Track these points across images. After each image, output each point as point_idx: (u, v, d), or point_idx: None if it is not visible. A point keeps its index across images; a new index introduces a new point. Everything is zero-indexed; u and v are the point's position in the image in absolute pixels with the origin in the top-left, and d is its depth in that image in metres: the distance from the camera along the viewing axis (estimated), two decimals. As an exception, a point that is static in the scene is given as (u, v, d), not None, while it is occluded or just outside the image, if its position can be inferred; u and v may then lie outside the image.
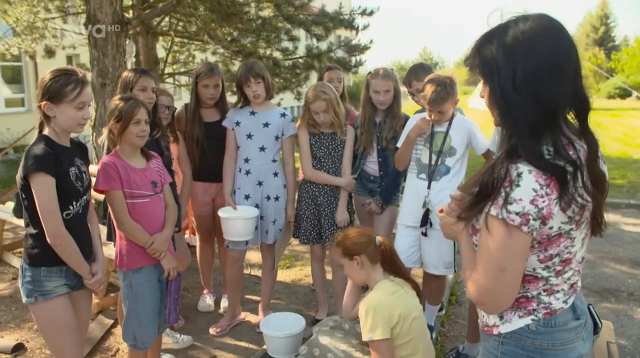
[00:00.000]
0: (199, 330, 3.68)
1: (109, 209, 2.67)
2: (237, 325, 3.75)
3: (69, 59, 13.84)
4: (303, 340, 2.93)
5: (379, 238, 2.50)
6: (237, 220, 3.36)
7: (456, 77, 3.10)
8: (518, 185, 1.28)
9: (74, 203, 2.32)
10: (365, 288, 2.64)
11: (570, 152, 1.34)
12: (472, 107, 18.06)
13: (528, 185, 1.28)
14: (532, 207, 1.28)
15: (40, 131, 2.32)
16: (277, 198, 3.54)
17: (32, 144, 2.25)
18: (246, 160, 3.51)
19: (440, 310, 3.77)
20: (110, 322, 3.74)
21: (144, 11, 6.76)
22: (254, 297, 4.15)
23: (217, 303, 4.09)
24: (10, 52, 8.95)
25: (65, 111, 2.25)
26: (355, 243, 2.50)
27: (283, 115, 3.54)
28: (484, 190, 1.36)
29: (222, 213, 3.41)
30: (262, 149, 3.49)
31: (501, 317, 1.48)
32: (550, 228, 1.34)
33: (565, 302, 1.46)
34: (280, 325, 3.02)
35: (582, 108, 1.40)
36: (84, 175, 2.38)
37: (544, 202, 1.29)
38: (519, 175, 1.29)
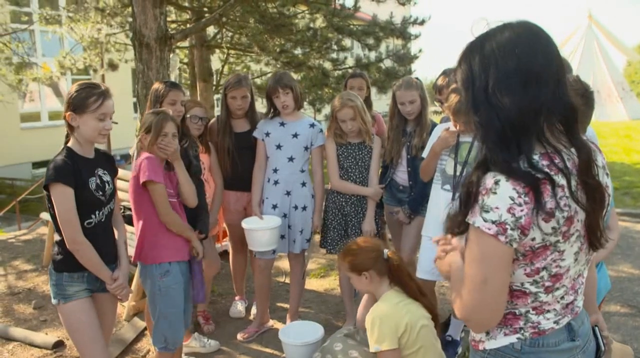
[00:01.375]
0: (227, 335, 3.76)
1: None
2: (264, 331, 3.81)
3: (134, 71, 14.52)
4: (322, 349, 2.94)
5: (386, 251, 2.49)
6: (259, 231, 3.42)
7: None
8: (495, 193, 1.25)
9: (97, 212, 2.43)
10: None
11: (556, 161, 1.29)
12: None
13: (505, 193, 1.24)
14: (509, 215, 1.24)
15: (67, 143, 2.45)
16: (304, 208, 3.58)
17: (55, 155, 2.38)
18: (275, 171, 3.57)
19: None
20: (144, 324, 3.89)
21: (188, 25, 7.01)
22: (285, 305, 4.19)
23: (248, 309, 4.16)
24: (76, 66, 9.51)
25: (87, 121, 2.37)
26: (364, 260, 2.50)
27: (312, 125, 3.58)
28: (464, 201, 1.33)
29: (245, 224, 3.48)
30: (291, 159, 3.54)
31: (487, 333, 1.43)
32: (533, 239, 1.28)
33: (556, 322, 1.40)
34: (299, 334, 3.05)
35: (568, 116, 1.34)
36: (106, 184, 2.48)
37: (522, 211, 1.24)
38: (496, 182, 1.26)
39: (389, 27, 9.11)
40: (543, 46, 1.32)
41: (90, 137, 2.42)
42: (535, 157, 1.28)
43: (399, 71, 9.66)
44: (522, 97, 1.29)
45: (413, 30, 9.34)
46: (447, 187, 3.07)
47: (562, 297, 1.40)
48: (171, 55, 4.98)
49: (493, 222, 1.25)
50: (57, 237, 2.42)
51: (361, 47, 9.35)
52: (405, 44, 9.33)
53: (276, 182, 3.55)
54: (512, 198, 1.24)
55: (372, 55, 9.40)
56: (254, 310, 4.09)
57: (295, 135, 3.52)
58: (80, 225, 2.34)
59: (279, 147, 3.53)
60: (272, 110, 3.60)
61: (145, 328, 3.85)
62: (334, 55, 9.47)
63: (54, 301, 2.47)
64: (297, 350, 2.95)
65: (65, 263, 2.41)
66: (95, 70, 9.76)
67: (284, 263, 4.90)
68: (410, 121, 3.53)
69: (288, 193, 3.54)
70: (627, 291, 4.56)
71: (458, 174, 3.03)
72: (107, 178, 2.51)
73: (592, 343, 1.48)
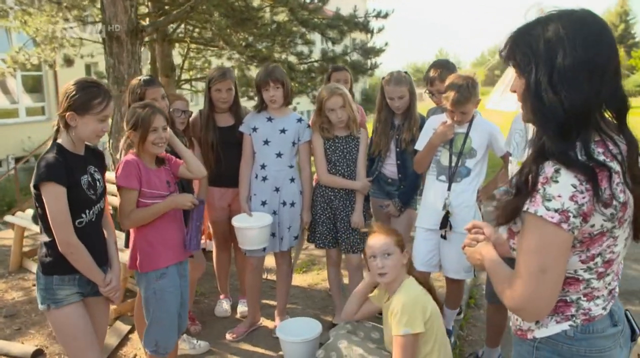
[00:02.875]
0: (215, 335, 3.67)
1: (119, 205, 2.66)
2: (254, 330, 3.74)
3: (88, 68, 14.05)
4: (319, 345, 2.90)
5: None
6: (251, 230, 3.34)
7: (477, 77, 3.06)
8: (556, 181, 1.25)
9: (87, 211, 2.32)
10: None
11: (610, 148, 1.31)
12: (489, 108, 17.86)
13: (567, 181, 1.24)
14: (571, 203, 1.24)
15: (55, 139, 2.33)
16: (292, 204, 3.52)
17: (44, 152, 2.27)
18: (263, 166, 3.49)
19: (459, 313, 3.71)
20: (127, 328, 3.75)
21: (159, 18, 6.82)
22: (270, 302, 4.13)
23: (233, 308, 4.08)
24: (31, 61, 9.09)
25: (88, 123, 2.27)
26: (402, 239, 2.61)
27: (299, 120, 3.52)
28: (520, 189, 1.32)
29: (235, 222, 3.40)
30: (279, 154, 3.47)
31: (537, 321, 1.43)
32: (592, 226, 1.29)
33: (604, 308, 1.42)
34: (296, 330, 3.00)
35: (621, 107, 1.36)
36: (97, 183, 2.38)
37: (584, 198, 1.24)
38: (557, 171, 1.25)
39: (352, 20, 9.12)
40: (607, 37, 1.32)
41: (88, 138, 2.33)
42: (592, 146, 1.29)
43: (365, 64, 9.69)
44: (588, 88, 1.27)
45: (376, 23, 9.39)
46: (443, 178, 3.08)
47: (609, 283, 1.42)
48: (142, 49, 4.80)
49: (556, 211, 1.25)
50: (45, 238, 2.29)
51: (325, 40, 9.32)
52: (371, 37, 9.33)
53: (264, 178, 3.48)
54: (574, 186, 1.24)
55: (338, 48, 9.38)
56: (240, 309, 4.02)
57: (283, 131, 3.45)
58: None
59: (266, 142, 3.45)
60: (262, 102, 3.50)
61: (129, 333, 3.72)
62: (300, 49, 9.40)
63: (42, 307, 2.33)
64: (296, 347, 2.90)
65: (55, 266, 2.29)
66: (51, 66, 9.37)
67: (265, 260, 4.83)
68: (398, 114, 3.52)
69: (277, 189, 3.48)
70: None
71: (453, 164, 3.04)
72: (98, 176, 2.41)
73: (628, 327, 1.50)
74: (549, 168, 1.27)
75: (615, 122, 1.36)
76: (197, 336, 3.59)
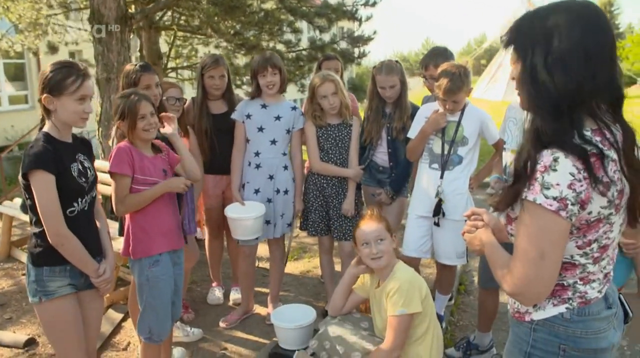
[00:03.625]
0: (209, 323, 3.69)
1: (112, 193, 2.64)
2: (247, 317, 3.76)
3: (72, 55, 13.79)
4: (314, 331, 2.93)
5: None
6: (245, 221, 3.34)
7: (469, 66, 3.08)
8: (555, 170, 1.27)
9: (79, 200, 2.26)
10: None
11: (607, 136, 1.33)
12: (476, 97, 17.97)
13: (565, 170, 1.27)
14: (570, 191, 1.27)
15: (42, 127, 2.26)
16: (286, 192, 3.53)
17: (33, 141, 2.20)
18: (257, 154, 3.49)
19: (450, 299, 3.76)
20: (120, 316, 3.75)
21: (148, 5, 6.74)
22: (263, 290, 4.15)
23: (226, 296, 4.10)
24: (14, 49, 8.93)
25: (65, 104, 2.18)
26: (390, 224, 2.67)
27: (294, 108, 3.52)
28: (520, 176, 1.35)
29: (228, 212, 3.40)
30: (274, 142, 3.47)
31: (534, 304, 1.47)
32: (589, 213, 1.32)
33: (599, 291, 1.46)
34: (291, 317, 3.02)
35: (617, 96, 1.39)
36: (88, 171, 2.33)
37: (582, 186, 1.27)
38: (555, 159, 1.28)
39: (340, 8, 9.09)
40: (604, 25, 1.36)
41: (70, 120, 2.23)
42: (587, 133, 1.32)
43: (353, 53, 9.68)
44: (583, 72, 1.31)
45: (365, 11, 9.37)
46: (435, 166, 3.11)
47: (605, 267, 1.46)
48: (131, 36, 4.75)
49: (554, 198, 1.27)
50: (35, 229, 2.22)
51: (313, 29, 9.29)
52: (359, 25, 9.31)
53: (258, 166, 3.48)
54: (572, 175, 1.27)
55: (327, 37, 9.36)
56: (232, 296, 4.04)
57: (277, 118, 3.45)
58: (63, 215, 2.17)
59: (260, 129, 3.44)
60: (257, 89, 3.49)
61: (122, 320, 3.72)
62: (288, 37, 9.36)
63: (33, 300, 2.25)
64: (290, 333, 2.93)
65: (45, 257, 2.22)
66: (34, 54, 9.22)
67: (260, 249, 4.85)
68: (389, 103, 3.54)
69: (271, 177, 3.48)
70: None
71: (445, 152, 3.07)
72: (87, 164, 2.36)
73: (621, 310, 1.55)
74: (547, 156, 1.29)
75: (611, 111, 1.38)
76: (190, 323, 3.61)
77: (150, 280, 2.64)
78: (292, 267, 4.72)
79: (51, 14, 8.40)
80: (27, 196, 2.21)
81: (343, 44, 9.60)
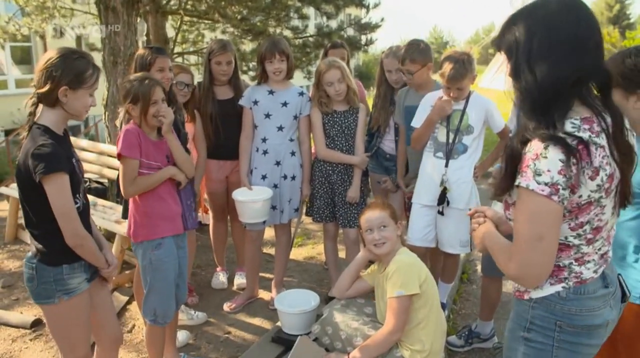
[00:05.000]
0: (213, 307, 3.73)
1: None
2: (251, 302, 3.79)
3: (79, 39, 13.82)
4: (317, 316, 2.95)
5: None
6: (251, 203, 3.35)
7: (473, 53, 3.06)
8: (545, 157, 1.35)
9: (78, 194, 2.19)
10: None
11: (596, 124, 1.40)
12: (482, 86, 17.84)
13: (555, 157, 1.34)
14: (560, 177, 1.34)
15: (33, 120, 2.12)
16: (293, 178, 3.54)
17: (32, 138, 2.05)
18: (264, 140, 3.49)
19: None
20: (125, 299, 3.79)
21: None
22: (267, 275, 4.18)
23: (230, 280, 4.13)
24: (21, 32, 8.92)
25: (80, 97, 2.10)
26: (396, 211, 2.66)
27: (301, 94, 3.51)
28: (508, 165, 1.45)
29: (236, 196, 3.41)
30: (281, 128, 3.47)
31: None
32: (580, 196, 1.39)
33: (595, 271, 1.53)
34: (294, 302, 3.03)
35: (605, 81, 1.46)
36: (79, 163, 2.28)
37: (571, 171, 1.34)
38: (546, 147, 1.35)
39: (349, -6, 9.04)
40: (585, 16, 1.43)
41: (78, 113, 2.15)
42: (576, 122, 1.39)
43: (360, 40, 9.63)
44: (566, 65, 1.39)
45: (373, -1, 9.30)
46: (440, 154, 3.10)
47: (600, 248, 1.54)
48: (138, 20, 4.74)
49: (546, 184, 1.35)
50: (40, 231, 2.12)
51: (320, 15, 9.24)
52: (366, 12, 9.24)
53: (265, 152, 3.48)
54: (562, 161, 1.34)
55: (334, 23, 9.30)
56: (237, 281, 4.07)
57: (284, 104, 3.44)
58: None
59: (268, 116, 3.45)
60: (263, 75, 3.48)
61: (127, 303, 3.76)
62: (295, 24, 9.30)
63: (49, 301, 2.14)
64: (294, 318, 2.94)
65: (63, 255, 2.14)
66: (41, 37, 9.22)
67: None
68: (398, 90, 3.53)
69: (278, 163, 3.49)
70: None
71: (450, 141, 3.06)
72: (77, 156, 2.28)
73: (619, 290, 1.63)
74: (538, 145, 1.37)
75: (600, 97, 1.46)
76: (195, 307, 3.64)
77: (154, 263, 2.65)
78: (296, 253, 4.74)
79: (58, -3, 8.37)
80: (30, 197, 2.09)
81: (350, 31, 9.54)
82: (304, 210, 3.77)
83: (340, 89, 3.36)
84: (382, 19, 9.36)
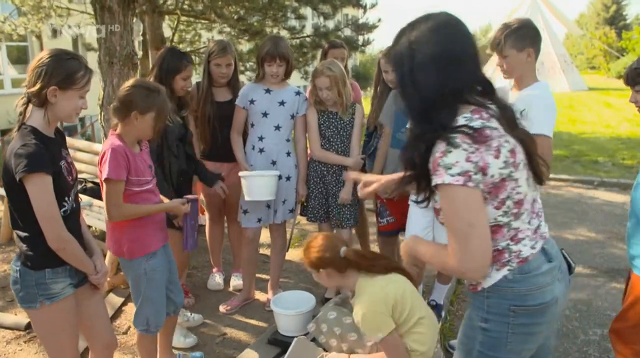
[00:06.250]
0: (209, 308, 3.71)
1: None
2: (247, 303, 3.77)
3: (75, 39, 13.79)
4: (313, 318, 2.94)
5: (343, 250, 2.48)
6: (258, 178, 3.29)
7: None
8: (450, 151, 1.46)
9: (67, 198, 2.14)
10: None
11: (484, 112, 1.54)
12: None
13: (458, 147, 1.46)
14: (468, 164, 1.45)
15: (23, 120, 2.07)
16: (288, 178, 3.52)
17: (18, 137, 2.02)
18: (260, 138, 3.47)
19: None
20: (121, 300, 3.77)
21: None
22: (263, 276, 4.16)
23: (226, 281, 4.11)
24: (17, 32, 8.89)
25: (69, 98, 2.06)
26: (318, 259, 2.51)
27: (298, 93, 3.51)
28: (410, 166, 1.59)
29: (243, 173, 3.35)
30: (278, 127, 3.46)
31: (482, 276, 1.59)
32: (492, 176, 1.49)
33: (532, 247, 1.60)
34: (290, 303, 3.03)
35: (485, 87, 1.61)
36: (71, 166, 2.22)
37: (476, 156, 1.46)
38: (448, 143, 1.47)
39: (345, -6, 9.04)
40: (461, 33, 1.58)
41: (67, 116, 2.10)
42: (468, 115, 1.53)
43: (357, 40, 9.63)
44: (444, 77, 1.53)
45: (370, -1, 9.30)
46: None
47: (529, 221, 1.62)
48: (134, 20, 4.72)
49: (459, 174, 1.46)
50: (24, 233, 2.07)
51: (317, 15, 9.23)
52: (363, 12, 9.25)
53: (261, 150, 3.47)
54: (465, 150, 1.46)
55: (331, 24, 9.30)
56: (233, 282, 4.05)
57: (281, 103, 3.43)
58: None
59: (265, 114, 3.43)
60: (262, 74, 3.46)
61: (122, 304, 3.74)
62: (292, 24, 9.30)
63: (30, 305, 2.10)
64: (290, 319, 2.94)
65: (46, 259, 2.09)
66: (37, 37, 9.19)
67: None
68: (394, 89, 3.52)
69: (273, 162, 3.47)
70: (586, 253, 4.82)
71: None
72: (69, 159, 2.23)
73: (564, 264, 1.72)
74: (440, 144, 1.49)
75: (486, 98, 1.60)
76: (191, 309, 3.62)
77: (148, 273, 2.57)
78: (293, 254, 4.73)
79: (54, -4, 8.35)
80: (14, 198, 2.05)
81: (347, 31, 9.54)
82: (300, 211, 3.75)
83: (329, 96, 3.37)
84: (380, 19, 9.37)
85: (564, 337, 3.37)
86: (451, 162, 1.45)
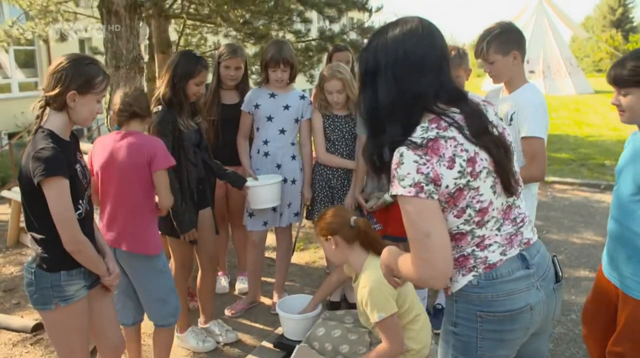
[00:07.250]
0: (214, 311, 3.70)
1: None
2: (252, 307, 3.77)
3: (82, 43, 13.87)
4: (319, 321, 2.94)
5: (353, 219, 2.53)
6: (262, 187, 3.32)
7: (468, 49, 3.08)
8: (402, 163, 1.46)
9: (81, 201, 2.17)
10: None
11: (442, 121, 1.51)
12: (485, 89, 17.85)
13: (409, 159, 1.46)
14: (419, 175, 1.45)
15: (40, 123, 2.11)
16: (293, 182, 3.53)
17: (35, 141, 2.05)
18: (265, 142, 3.49)
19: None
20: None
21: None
22: (269, 279, 4.16)
23: (231, 285, 4.12)
24: (25, 36, 8.95)
25: (88, 103, 2.10)
26: (328, 224, 2.56)
27: (302, 97, 3.52)
28: (372, 168, 1.62)
29: (246, 184, 3.35)
30: (282, 131, 3.47)
31: (450, 279, 1.59)
32: (447, 187, 1.47)
33: (502, 253, 1.56)
34: (296, 307, 3.03)
35: (451, 95, 1.56)
36: (85, 170, 2.25)
37: (427, 168, 1.45)
38: (401, 154, 1.47)
39: (351, -1, 9.05)
40: (428, 40, 1.54)
41: (84, 120, 2.13)
42: (425, 125, 1.51)
43: (363, 44, 9.63)
44: (403, 84, 1.52)
45: (375, 2, 9.31)
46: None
47: (499, 228, 1.58)
48: (140, 24, 4.75)
49: (410, 186, 1.45)
50: (40, 236, 2.11)
51: (323, 19, 9.25)
52: (369, 16, 9.25)
53: (266, 154, 3.48)
54: (416, 162, 1.46)
55: (336, 27, 9.31)
56: (238, 286, 4.05)
57: (286, 107, 3.44)
58: None
59: (269, 119, 3.44)
60: (266, 79, 3.49)
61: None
62: (297, 27, 9.32)
63: (44, 307, 2.13)
64: (296, 324, 2.94)
65: (61, 261, 2.12)
66: (45, 41, 9.25)
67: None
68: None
69: (278, 166, 3.48)
70: (592, 257, 4.78)
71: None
72: (84, 162, 2.26)
73: (552, 271, 1.67)
74: (395, 155, 1.49)
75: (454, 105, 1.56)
76: (195, 312, 3.62)
77: (166, 265, 2.71)
78: (298, 257, 4.73)
79: (61, 1, 8.40)
80: (30, 200, 2.08)
81: (353, 35, 9.55)
82: (305, 214, 3.76)
83: (339, 99, 3.39)
84: (385, 23, 9.36)
85: (570, 342, 3.35)
86: (403, 173, 1.46)
